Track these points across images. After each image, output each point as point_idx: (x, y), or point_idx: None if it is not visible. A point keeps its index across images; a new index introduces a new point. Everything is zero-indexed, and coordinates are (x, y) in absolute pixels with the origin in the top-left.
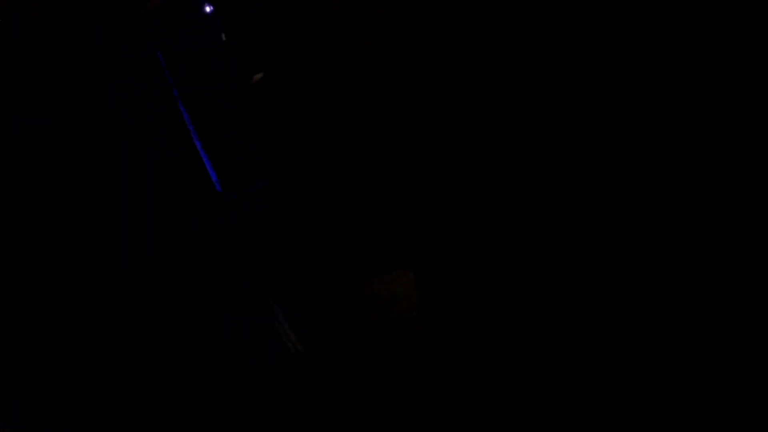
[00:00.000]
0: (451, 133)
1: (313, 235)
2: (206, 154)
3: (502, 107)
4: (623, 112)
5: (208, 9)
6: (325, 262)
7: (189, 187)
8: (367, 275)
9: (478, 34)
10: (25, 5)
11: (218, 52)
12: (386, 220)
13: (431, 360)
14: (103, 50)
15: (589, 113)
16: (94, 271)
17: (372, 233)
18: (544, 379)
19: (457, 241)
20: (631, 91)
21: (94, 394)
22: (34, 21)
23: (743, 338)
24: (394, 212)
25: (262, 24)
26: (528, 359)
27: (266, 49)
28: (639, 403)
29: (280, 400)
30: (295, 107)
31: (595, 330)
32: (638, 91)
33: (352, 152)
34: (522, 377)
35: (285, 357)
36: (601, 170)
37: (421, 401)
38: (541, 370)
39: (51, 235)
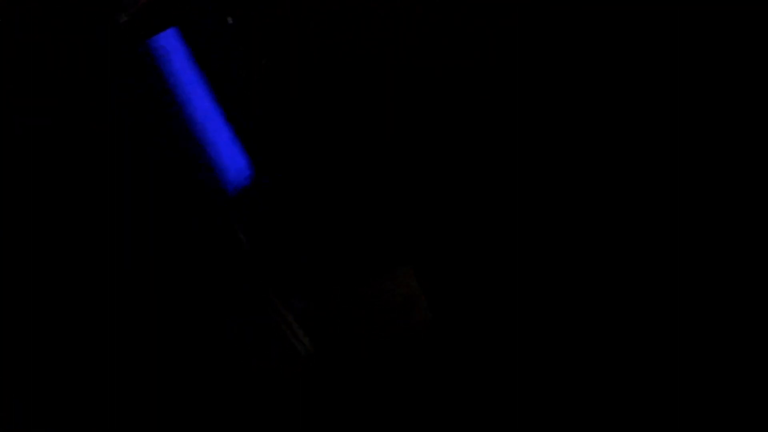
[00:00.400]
0: (451, 132)
1: (321, 231)
2: (215, 145)
3: (502, 107)
4: (623, 112)
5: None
6: (332, 259)
7: (189, 187)
8: (384, 270)
9: (478, 34)
10: (25, 5)
11: (221, 45)
12: (397, 216)
13: (437, 359)
14: (103, 50)
15: (589, 113)
16: (94, 271)
17: (386, 227)
18: (546, 380)
19: (455, 239)
20: (631, 91)
21: (94, 394)
22: (34, 21)
23: (743, 338)
24: (401, 209)
25: (261, 26)
26: (529, 358)
27: (266, 53)
28: (639, 403)
29: (280, 400)
30: (294, 108)
31: (597, 328)
32: (638, 91)
33: (355, 151)
34: (522, 377)
35: (286, 357)
36: (601, 169)
37: (427, 403)
38: (543, 371)
39: (51, 235)
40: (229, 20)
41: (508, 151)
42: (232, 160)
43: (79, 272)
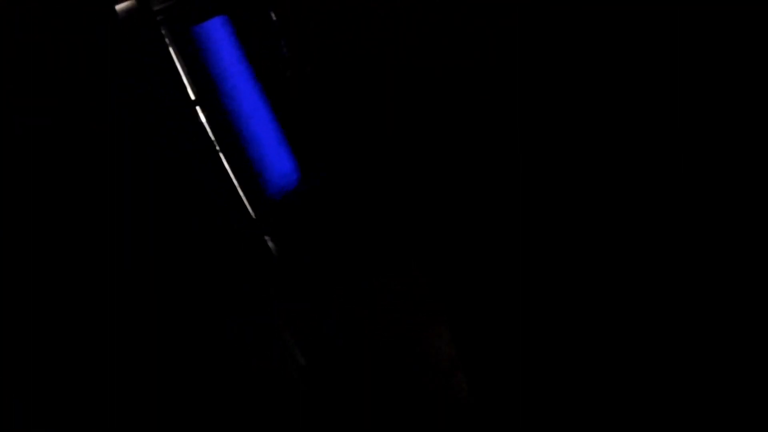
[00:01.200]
0: (450, 133)
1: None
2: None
3: (502, 107)
4: (624, 112)
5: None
6: (335, 261)
7: (189, 187)
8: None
9: (478, 34)
10: (25, 5)
11: (267, 40)
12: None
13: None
14: (103, 50)
15: (589, 113)
16: (95, 271)
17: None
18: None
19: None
20: (631, 91)
21: (94, 394)
22: (34, 21)
23: (743, 338)
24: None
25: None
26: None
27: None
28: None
29: (280, 400)
30: (294, 108)
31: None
32: (638, 91)
33: (355, 151)
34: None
35: (285, 358)
36: (606, 168)
37: (431, 406)
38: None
39: (51, 235)
40: (273, 16)
41: (508, 152)
42: (278, 162)
43: (80, 272)
